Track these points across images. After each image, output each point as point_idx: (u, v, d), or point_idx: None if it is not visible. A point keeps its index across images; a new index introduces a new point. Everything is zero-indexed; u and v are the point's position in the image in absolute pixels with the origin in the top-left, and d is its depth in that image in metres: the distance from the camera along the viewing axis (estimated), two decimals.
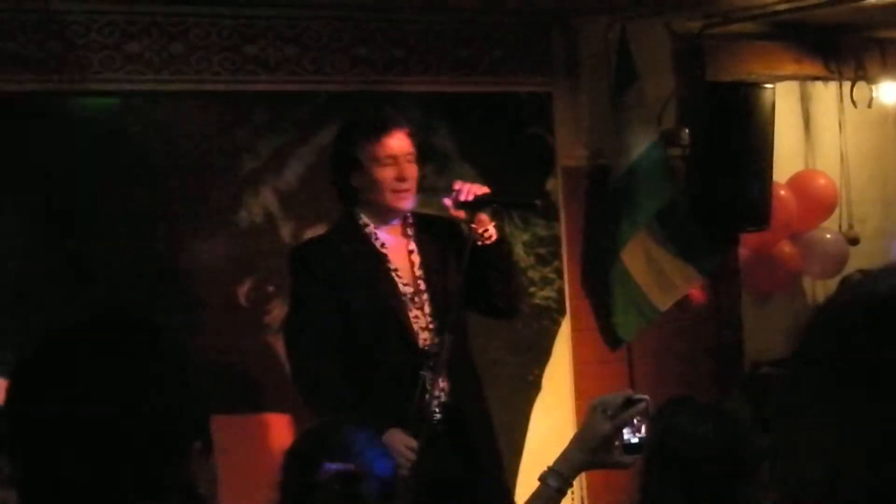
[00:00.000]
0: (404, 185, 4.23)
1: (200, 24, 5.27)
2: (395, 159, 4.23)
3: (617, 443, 2.59)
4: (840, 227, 7.07)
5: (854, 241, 7.02)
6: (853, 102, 6.93)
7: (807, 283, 7.11)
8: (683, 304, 6.23)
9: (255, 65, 5.37)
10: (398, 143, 4.26)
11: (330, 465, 2.63)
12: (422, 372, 4.07)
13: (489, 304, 4.39)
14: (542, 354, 6.01)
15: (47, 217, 5.01)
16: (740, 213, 6.24)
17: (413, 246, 4.30)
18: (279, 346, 5.29)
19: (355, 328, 4.18)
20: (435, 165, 5.53)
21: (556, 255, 6.06)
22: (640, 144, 5.98)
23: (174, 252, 5.24)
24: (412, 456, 3.94)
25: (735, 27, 6.33)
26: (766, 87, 6.24)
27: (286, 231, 5.43)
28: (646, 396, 2.61)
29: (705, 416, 2.62)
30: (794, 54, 6.77)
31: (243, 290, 5.36)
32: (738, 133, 6.10)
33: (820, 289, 7.08)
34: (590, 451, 2.60)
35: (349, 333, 4.18)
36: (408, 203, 4.26)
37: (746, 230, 6.39)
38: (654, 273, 6.08)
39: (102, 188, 5.10)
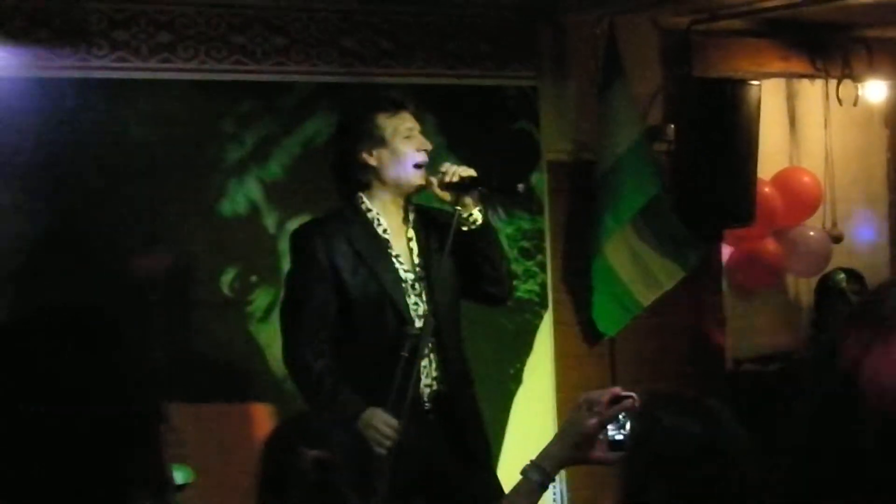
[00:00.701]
0: (423, 158, 4.23)
1: (188, 14, 5.26)
2: (412, 131, 4.24)
3: (601, 438, 2.59)
4: (824, 224, 7.09)
5: (837, 239, 7.04)
6: (839, 100, 6.94)
7: (790, 280, 7.13)
8: (666, 299, 6.24)
9: (242, 55, 5.36)
10: (412, 117, 4.28)
11: (306, 453, 2.64)
12: (402, 354, 4.05)
13: (480, 291, 4.38)
14: (523, 348, 6.01)
15: (28, 206, 5.00)
16: (725, 210, 6.25)
17: (412, 233, 4.29)
18: (262, 336, 5.30)
19: (353, 312, 4.17)
20: None
21: (540, 248, 6.06)
22: (626, 140, 5.97)
23: (157, 240, 5.23)
24: (392, 434, 3.94)
25: (722, 24, 6.34)
26: (752, 84, 6.25)
27: (270, 221, 5.42)
28: (632, 394, 2.61)
29: (690, 410, 2.61)
30: (781, 52, 6.78)
31: (227, 279, 5.35)
32: (724, 129, 6.12)
33: (803, 286, 7.10)
34: (573, 447, 2.59)
35: (346, 317, 4.17)
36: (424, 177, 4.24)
37: (731, 226, 6.40)
38: (638, 268, 6.09)
39: (84, 176, 5.08)
